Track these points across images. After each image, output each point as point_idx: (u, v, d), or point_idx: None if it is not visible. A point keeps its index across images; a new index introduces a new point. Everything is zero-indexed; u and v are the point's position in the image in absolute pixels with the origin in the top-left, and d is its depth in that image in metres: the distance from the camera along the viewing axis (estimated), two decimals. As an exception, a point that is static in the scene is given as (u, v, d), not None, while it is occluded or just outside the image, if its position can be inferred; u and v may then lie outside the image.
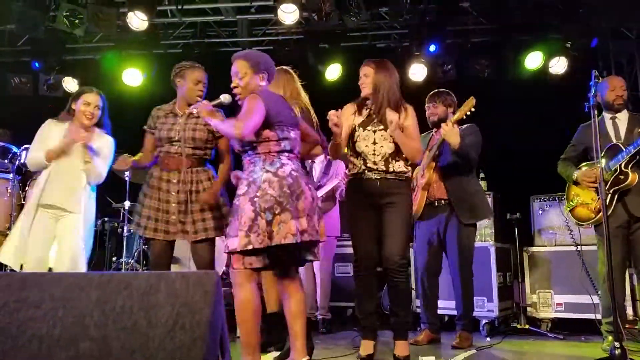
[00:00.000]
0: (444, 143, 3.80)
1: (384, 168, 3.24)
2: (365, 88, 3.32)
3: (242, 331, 2.63)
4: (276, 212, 2.52)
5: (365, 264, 3.25)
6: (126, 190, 5.51)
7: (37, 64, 6.34)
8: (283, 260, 2.69)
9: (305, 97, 3.39)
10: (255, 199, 2.54)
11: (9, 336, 1.62)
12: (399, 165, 3.27)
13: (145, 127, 3.41)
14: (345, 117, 3.32)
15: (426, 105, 4.09)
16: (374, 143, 3.26)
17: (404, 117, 3.25)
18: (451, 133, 3.66)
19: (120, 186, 5.50)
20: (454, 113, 3.93)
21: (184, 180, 3.22)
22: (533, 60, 5.91)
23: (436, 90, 4.13)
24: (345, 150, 3.36)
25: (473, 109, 3.71)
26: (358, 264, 3.27)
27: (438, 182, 3.94)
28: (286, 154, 2.67)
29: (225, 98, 2.97)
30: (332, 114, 3.12)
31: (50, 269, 3.42)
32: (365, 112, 3.35)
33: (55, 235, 3.42)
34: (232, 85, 2.83)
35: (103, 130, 3.61)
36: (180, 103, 3.36)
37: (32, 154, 3.48)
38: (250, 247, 2.52)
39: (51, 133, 3.50)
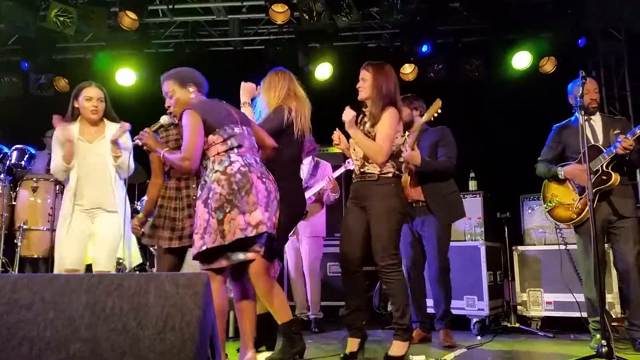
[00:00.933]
0: (419, 145, 3.86)
1: (358, 171, 3.34)
2: (362, 92, 3.35)
3: None
4: (226, 210, 2.56)
5: (345, 263, 3.31)
6: (135, 193, 5.50)
7: (25, 65, 6.29)
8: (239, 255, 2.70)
9: (300, 97, 3.28)
10: (208, 201, 2.61)
11: (-1, 338, 1.63)
12: (373, 167, 3.28)
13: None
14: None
15: None
16: (354, 150, 3.37)
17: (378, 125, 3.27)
18: (412, 157, 3.76)
19: (128, 189, 5.48)
20: (421, 116, 4.00)
21: (187, 186, 3.18)
22: (520, 60, 5.96)
23: (404, 95, 4.15)
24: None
25: (439, 111, 3.77)
26: (340, 263, 3.36)
27: (414, 185, 3.99)
28: (235, 150, 2.71)
29: (164, 120, 2.97)
30: (334, 137, 3.35)
31: (89, 267, 3.45)
32: (359, 117, 3.38)
33: (92, 233, 3.39)
34: (166, 105, 2.94)
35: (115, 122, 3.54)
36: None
37: (53, 164, 3.43)
38: (204, 247, 2.57)
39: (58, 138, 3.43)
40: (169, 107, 2.94)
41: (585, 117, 3.71)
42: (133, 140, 2.98)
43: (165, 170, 3.27)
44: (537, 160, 3.91)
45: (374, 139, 3.24)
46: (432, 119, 3.83)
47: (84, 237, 3.37)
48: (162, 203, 3.21)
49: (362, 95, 3.35)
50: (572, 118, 3.81)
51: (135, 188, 5.51)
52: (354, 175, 3.42)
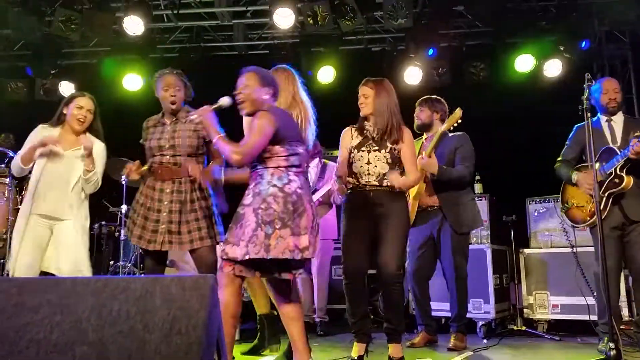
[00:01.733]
0: (436, 151, 3.84)
1: (376, 184, 3.29)
2: (365, 108, 3.36)
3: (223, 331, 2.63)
4: (277, 226, 2.55)
5: (352, 277, 3.27)
6: (123, 194, 5.51)
7: (29, 71, 6.32)
8: (274, 270, 2.71)
9: (304, 101, 3.26)
10: (259, 211, 2.58)
11: (6, 341, 1.63)
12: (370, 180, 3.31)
13: (141, 141, 3.39)
14: (344, 145, 3.41)
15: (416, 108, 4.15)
16: (368, 163, 3.31)
17: (401, 144, 3.31)
18: (429, 165, 3.76)
19: (117, 190, 5.50)
20: (441, 120, 4.01)
21: (179, 190, 3.18)
22: (524, 63, 5.94)
23: (427, 96, 4.16)
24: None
25: (460, 121, 3.77)
26: (346, 276, 3.30)
27: (430, 191, 3.98)
28: (294, 169, 2.70)
29: (224, 101, 2.88)
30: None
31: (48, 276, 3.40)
32: (363, 132, 3.37)
33: (50, 243, 3.36)
34: (236, 92, 2.83)
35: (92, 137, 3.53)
36: (165, 111, 3.35)
37: (15, 158, 3.45)
38: (247, 257, 2.55)
39: (38, 138, 3.40)
40: (239, 94, 2.83)
41: (606, 118, 3.70)
42: (191, 115, 2.88)
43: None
44: (557, 161, 3.86)
45: (397, 156, 3.29)
46: (452, 127, 3.85)
47: (40, 244, 3.33)
48: (138, 199, 3.24)
49: (365, 111, 3.37)
50: (594, 119, 3.71)
51: (123, 188, 5.49)
52: (360, 186, 3.33)
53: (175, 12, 6.17)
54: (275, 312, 3.43)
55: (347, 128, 3.45)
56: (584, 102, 3.24)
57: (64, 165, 3.40)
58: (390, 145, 3.30)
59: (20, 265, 3.27)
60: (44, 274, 3.42)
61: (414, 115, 4.13)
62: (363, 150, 3.32)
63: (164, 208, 3.16)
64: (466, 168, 3.92)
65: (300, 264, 2.70)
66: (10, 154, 4.83)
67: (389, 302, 3.31)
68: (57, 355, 1.59)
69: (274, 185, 2.62)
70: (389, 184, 3.27)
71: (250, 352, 3.64)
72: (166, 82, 3.28)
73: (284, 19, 5.61)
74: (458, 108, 3.81)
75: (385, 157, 3.28)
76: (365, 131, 3.37)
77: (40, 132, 3.46)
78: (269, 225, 2.55)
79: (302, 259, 2.61)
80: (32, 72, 6.36)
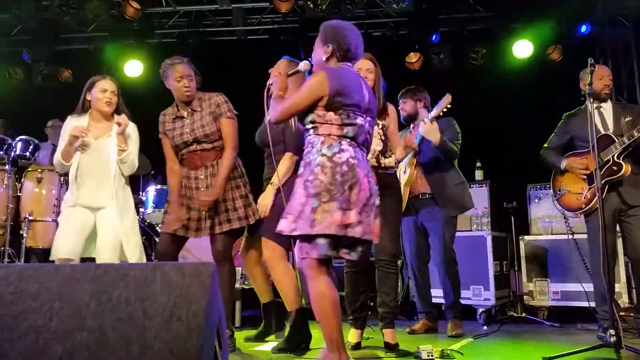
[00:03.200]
0: (424, 140, 3.82)
1: (375, 164, 3.27)
2: (370, 82, 3.25)
3: (322, 327, 2.40)
4: (323, 199, 2.31)
5: (356, 264, 3.24)
6: (140, 184, 5.49)
7: (26, 56, 6.26)
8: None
9: None
10: (307, 183, 2.37)
11: (5, 328, 1.62)
12: (389, 161, 3.34)
13: (159, 135, 3.39)
14: None
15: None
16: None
17: (387, 119, 3.33)
18: (431, 130, 3.72)
19: (132, 180, 5.49)
20: (425, 108, 4.00)
21: (212, 173, 3.21)
22: (522, 49, 5.90)
23: (407, 87, 4.13)
24: None
25: (449, 106, 3.74)
26: (350, 263, 3.29)
27: (421, 178, 3.98)
28: (348, 140, 2.44)
29: (303, 66, 2.73)
30: None
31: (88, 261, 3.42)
32: None
33: (94, 229, 3.34)
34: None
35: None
36: (178, 103, 3.33)
37: (55, 155, 3.40)
38: (296, 232, 2.36)
39: (68, 132, 3.36)
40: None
41: (596, 105, 3.67)
42: (270, 84, 2.83)
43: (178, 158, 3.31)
44: (543, 148, 3.86)
45: (386, 132, 3.30)
46: (442, 114, 3.81)
47: (82, 229, 3.30)
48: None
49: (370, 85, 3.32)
50: (583, 106, 3.75)
51: (139, 179, 5.49)
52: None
53: (173, -4, 6.11)
54: (279, 299, 3.44)
55: None
56: (587, 87, 3.21)
57: (100, 153, 3.36)
58: (381, 122, 3.31)
59: (58, 250, 3.25)
60: (85, 260, 3.44)
61: (399, 108, 4.09)
62: None
63: (202, 195, 3.17)
64: (455, 147, 3.91)
65: (359, 242, 2.43)
66: (9, 140, 4.80)
67: (384, 285, 3.31)
68: (56, 342, 1.58)
69: (323, 155, 2.39)
70: (384, 164, 3.29)
71: (255, 339, 3.65)
72: (178, 72, 3.23)
73: (283, 3, 5.55)
74: (447, 94, 3.77)
75: (379, 133, 3.29)
76: None
77: (70, 124, 3.40)
78: (315, 197, 2.33)
79: (354, 238, 2.36)
80: (29, 58, 6.30)
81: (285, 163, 3.26)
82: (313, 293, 2.41)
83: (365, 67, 3.27)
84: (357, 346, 3.31)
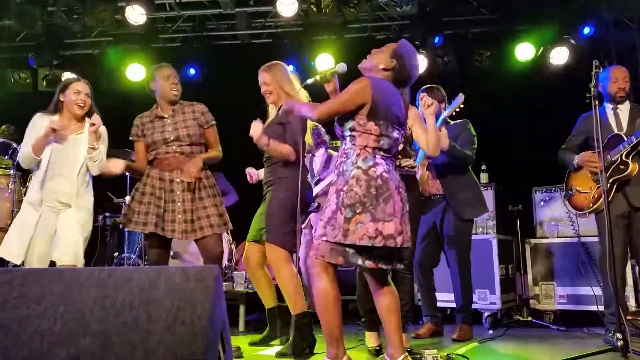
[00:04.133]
0: None
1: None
2: None
3: (323, 322, 2.53)
4: (357, 211, 2.41)
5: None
6: (127, 186, 5.51)
7: (32, 61, 6.29)
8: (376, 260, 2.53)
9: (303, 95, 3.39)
10: (341, 193, 2.47)
11: (10, 333, 1.62)
12: (405, 160, 3.36)
13: (131, 137, 3.46)
14: None
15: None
16: None
17: (410, 121, 3.34)
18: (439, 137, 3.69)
19: (121, 181, 5.49)
20: (444, 108, 3.97)
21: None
22: (524, 52, 5.88)
23: (425, 86, 4.13)
24: None
25: (462, 105, 3.74)
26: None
27: (432, 180, 3.96)
28: (382, 152, 2.53)
29: (340, 68, 2.79)
30: None
31: (51, 264, 3.39)
32: None
33: (56, 229, 3.33)
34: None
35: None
36: (161, 105, 3.42)
37: (22, 150, 3.40)
38: (324, 238, 2.47)
39: (41, 128, 3.36)
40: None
41: (612, 106, 3.66)
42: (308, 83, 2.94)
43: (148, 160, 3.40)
44: (560, 148, 3.85)
45: (409, 134, 3.33)
46: (454, 113, 3.83)
47: (50, 233, 3.29)
48: (144, 191, 3.29)
49: None
50: (600, 107, 3.70)
51: (127, 179, 5.49)
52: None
53: (177, 0, 6.13)
54: (283, 304, 3.43)
55: None
56: (592, 89, 3.20)
57: (69, 150, 3.38)
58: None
59: (35, 255, 3.25)
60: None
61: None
62: None
63: (177, 198, 3.24)
64: (469, 151, 3.90)
65: (398, 255, 2.55)
66: (14, 145, 4.82)
67: (399, 289, 3.30)
68: (60, 347, 1.58)
69: (358, 167, 2.48)
70: (404, 165, 3.32)
71: (260, 343, 3.63)
72: (166, 72, 3.38)
73: (287, 7, 5.56)
74: (460, 93, 3.77)
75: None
76: None
77: (39, 121, 3.41)
78: (349, 208, 2.42)
79: (400, 249, 2.47)
80: (35, 63, 6.33)
81: (285, 146, 3.25)
82: (317, 289, 2.53)
83: None
84: (379, 350, 3.25)
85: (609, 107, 3.68)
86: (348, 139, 2.57)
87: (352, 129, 2.54)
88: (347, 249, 2.46)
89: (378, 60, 2.65)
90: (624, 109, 3.65)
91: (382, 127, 2.51)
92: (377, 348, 3.26)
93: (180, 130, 3.30)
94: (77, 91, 3.43)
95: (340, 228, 2.42)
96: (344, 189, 2.46)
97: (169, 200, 3.25)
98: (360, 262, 2.49)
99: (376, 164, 2.48)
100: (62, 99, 3.46)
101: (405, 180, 3.30)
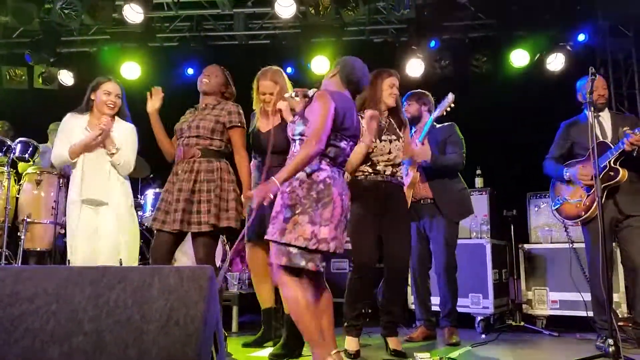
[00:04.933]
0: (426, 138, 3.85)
1: (389, 174, 3.35)
2: (394, 99, 3.43)
3: (301, 328, 2.54)
4: (296, 211, 2.49)
5: (364, 272, 3.27)
6: (138, 184, 5.49)
7: (28, 58, 6.27)
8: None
9: None
10: (284, 194, 2.55)
11: (2, 331, 1.61)
12: (400, 172, 3.44)
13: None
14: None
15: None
16: (389, 153, 3.37)
17: (405, 131, 3.53)
18: (422, 153, 3.75)
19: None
20: (428, 112, 4.01)
21: (191, 170, 3.18)
22: (519, 58, 5.92)
23: (412, 91, 4.16)
24: None
25: (452, 105, 3.75)
26: (358, 270, 3.28)
27: (422, 183, 3.97)
28: (328, 159, 2.60)
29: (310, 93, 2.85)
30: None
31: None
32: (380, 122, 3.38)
33: (96, 227, 3.34)
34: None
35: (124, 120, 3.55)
36: (202, 98, 3.40)
37: (56, 151, 3.40)
38: (266, 237, 2.55)
39: (73, 127, 3.41)
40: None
41: (594, 114, 3.68)
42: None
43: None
44: (545, 158, 3.87)
45: (395, 146, 3.41)
46: (444, 114, 3.82)
47: (91, 232, 3.32)
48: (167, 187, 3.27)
49: (392, 103, 3.43)
50: (581, 115, 3.79)
51: (138, 183, 5.48)
52: (372, 174, 3.35)
53: (175, 0, 6.12)
54: (279, 305, 3.43)
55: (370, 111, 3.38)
56: (588, 96, 3.22)
57: (100, 149, 3.40)
58: (402, 135, 3.43)
59: (80, 256, 3.26)
60: None
61: (403, 109, 4.10)
62: (385, 140, 3.35)
63: (175, 188, 3.18)
64: (459, 155, 3.93)
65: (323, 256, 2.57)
66: (9, 142, 4.79)
67: (394, 294, 3.32)
68: (53, 346, 1.57)
69: (303, 171, 2.55)
70: (397, 175, 3.37)
71: (253, 344, 3.62)
72: (205, 70, 3.43)
73: (285, 8, 5.56)
74: (450, 93, 3.78)
75: (401, 148, 3.41)
76: (385, 121, 3.43)
77: (70, 121, 3.44)
78: (289, 208, 2.51)
79: (328, 252, 2.51)
80: (31, 60, 6.31)
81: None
82: (286, 299, 2.58)
83: (394, 83, 3.43)
84: (356, 354, 3.26)
85: (590, 115, 3.72)
86: (297, 142, 2.65)
87: (301, 134, 2.61)
88: (291, 249, 2.48)
89: (327, 74, 2.80)
90: (605, 117, 3.72)
91: (331, 136, 2.57)
92: (355, 352, 3.25)
93: (194, 121, 3.26)
94: (107, 92, 3.44)
95: (279, 227, 2.49)
96: (287, 190, 2.54)
97: (170, 191, 3.21)
98: (303, 263, 2.50)
99: (320, 169, 2.56)
100: (93, 98, 3.46)
101: (401, 190, 3.43)
